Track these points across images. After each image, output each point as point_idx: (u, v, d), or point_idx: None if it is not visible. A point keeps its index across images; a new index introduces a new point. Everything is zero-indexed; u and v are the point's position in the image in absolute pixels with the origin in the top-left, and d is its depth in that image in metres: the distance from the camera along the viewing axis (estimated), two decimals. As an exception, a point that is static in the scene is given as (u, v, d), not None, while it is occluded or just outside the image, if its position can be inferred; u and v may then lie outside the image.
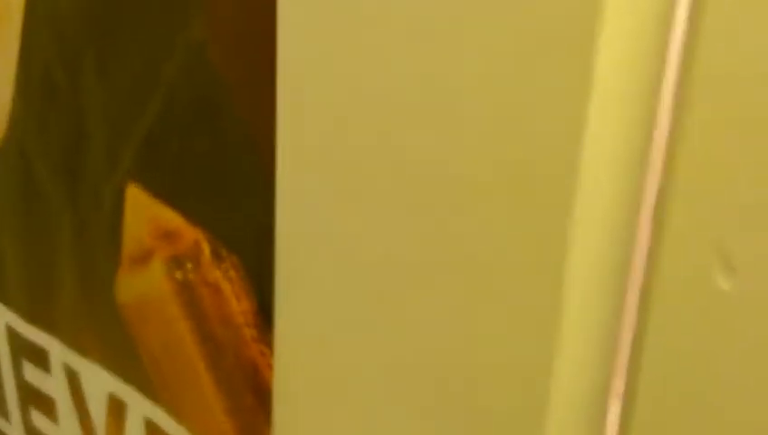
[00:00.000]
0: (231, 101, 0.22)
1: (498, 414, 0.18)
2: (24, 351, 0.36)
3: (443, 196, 0.18)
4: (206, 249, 0.24)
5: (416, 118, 0.17)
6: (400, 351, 0.20)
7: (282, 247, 0.21)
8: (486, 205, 0.17)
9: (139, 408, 0.29)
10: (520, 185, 0.16)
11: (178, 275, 0.25)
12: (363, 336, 0.20)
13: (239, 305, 0.23)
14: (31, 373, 0.36)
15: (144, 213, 0.26)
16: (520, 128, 0.16)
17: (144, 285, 0.26)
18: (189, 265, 0.24)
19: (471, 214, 0.17)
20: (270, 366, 0.23)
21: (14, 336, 0.36)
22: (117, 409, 0.30)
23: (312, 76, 0.19)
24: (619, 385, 0.17)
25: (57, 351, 0.33)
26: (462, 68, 0.16)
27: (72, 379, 0.33)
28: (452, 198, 0.17)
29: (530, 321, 0.17)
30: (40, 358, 0.35)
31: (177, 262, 0.25)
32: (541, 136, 0.15)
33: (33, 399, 0.36)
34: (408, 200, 0.18)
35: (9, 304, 0.36)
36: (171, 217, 0.25)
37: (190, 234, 0.24)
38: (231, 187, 0.23)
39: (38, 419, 0.36)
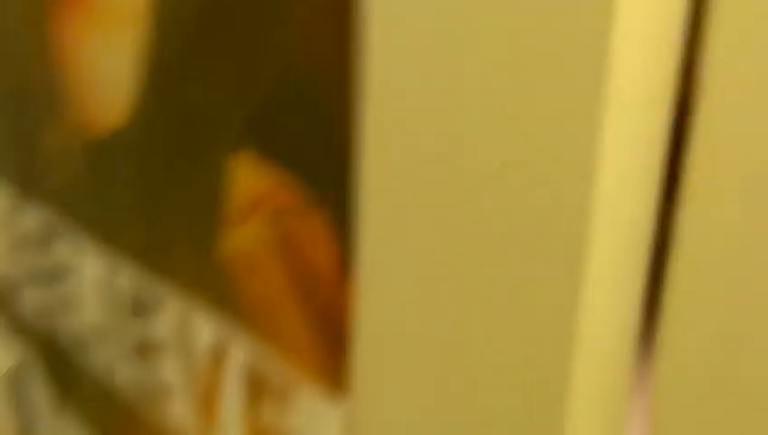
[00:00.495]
0: (328, 71, 0.26)
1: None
2: (137, 296, 0.41)
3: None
4: (301, 203, 0.28)
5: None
6: (475, 305, 0.23)
7: (365, 200, 0.25)
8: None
9: (239, 349, 0.33)
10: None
11: (278, 227, 0.29)
12: (438, 284, 0.24)
13: (329, 252, 0.27)
14: (143, 319, 0.41)
15: (250, 174, 0.30)
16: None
17: (248, 238, 0.31)
18: (287, 218, 0.29)
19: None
20: (352, 306, 0.27)
21: (131, 281, 0.42)
22: (220, 352, 0.35)
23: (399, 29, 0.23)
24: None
25: (168, 298, 0.38)
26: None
27: (181, 321, 0.38)
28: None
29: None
30: (151, 304, 0.40)
31: (276, 215, 0.29)
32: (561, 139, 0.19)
33: (144, 343, 0.41)
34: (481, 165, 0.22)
35: (129, 262, 0.41)
36: (273, 177, 0.29)
37: (289, 191, 0.28)
38: (325, 149, 0.27)
39: (146, 363, 0.42)
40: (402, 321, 0.26)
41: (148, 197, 0.38)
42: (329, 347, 0.28)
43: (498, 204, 0.22)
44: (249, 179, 0.30)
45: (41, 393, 0.57)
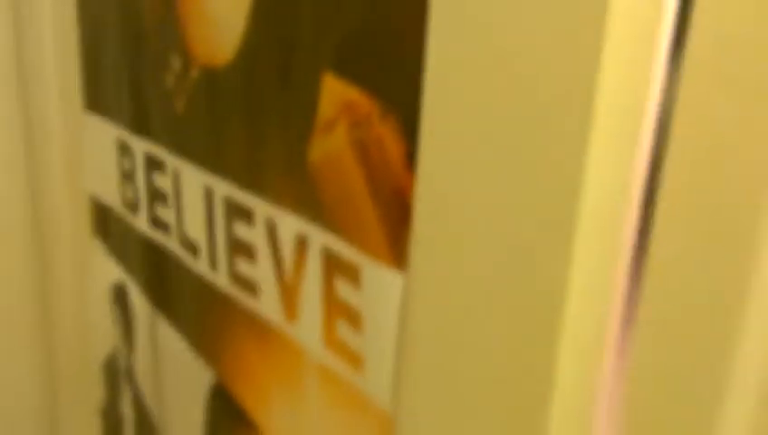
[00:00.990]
0: (399, 5, 0.33)
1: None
2: (235, 212, 0.49)
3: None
4: (374, 114, 0.35)
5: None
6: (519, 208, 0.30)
7: (427, 112, 0.32)
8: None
9: (318, 238, 0.40)
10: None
11: (355, 133, 0.36)
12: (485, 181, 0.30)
13: (395, 151, 0.34)
14: (238, 228, 0.49)
15: (334, 91, 0.37)
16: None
17: (331, 145, 0.38)
18: (363, 127, 0.36)
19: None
20: (414, 196, 0.34)
21: (229, 203, 0.49)
22: (301, 243, 0.42)
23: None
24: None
25: (261, 208, 0.46)
26: None
27: (270, 228, 0.45)
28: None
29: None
30: (247, 216, 0.47)
31: (354, 125, 0.36)
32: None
33: (238, 247, 0.49)
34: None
35: (226, 178, 0.49)
36: (352, 93, 0.36)
37: (365, 104, 0.35)
38: (396, 70, 0.33)
39: (241, 264, 0.49)
40: (454, 207, 0.32)
41: (251, 119, 0.46)
42: (393, 230, 0.35)
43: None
44: (334, 96, 0.37)
45: (139, 300, 0.66)
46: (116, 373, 0.74)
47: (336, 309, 0.40)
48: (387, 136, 0.34)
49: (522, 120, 0.28)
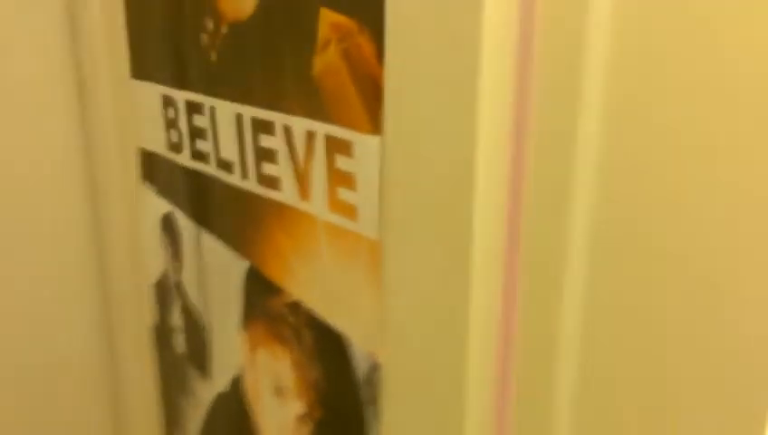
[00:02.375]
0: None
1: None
2: (259, 128, 0.65)
3: None
4: (355, 30, 0.51)
5: None
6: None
7: (390, 26, 0.48)
8: None
9: (322, 130, 0.57)
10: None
11: (342, 45, 0.52)
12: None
13: (370, 53, 0.50)
14: (263, 139, 0.65)
15: (327, 20, 0.53)
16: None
17: (327, 58, 0.54)
18: (347, 40, 0.52)
19: None
20: (385, 81, 0.50)
21: (255, 122, 0.66)
22: (310, 137, 0.58)
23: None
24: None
25: (279, 119, 0.62)
26: None
27: (287, 132, 0.61)
28: None
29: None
30: (269, 128, 0.64)
31: (341, 40, 0.52)
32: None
33: (264, 155, 0.65)
34: None
35: (251, 103, 0.66)
36: (339, 19, 0.52)
37: (348, 24, 0.52)
38: (365, 1, 0.50)
39: (266, 167, 0.66)
40: (412, 85, 0.48)
41: (268, 55, 0.62)
42: (372, 107, 0.51)
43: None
44: (327, 24, 0.54)
45: (185, 222, 0.83)
46: (167, 290, 0.91)
47: (337, 179, 0.56)
48: (364, 43, 0.51)
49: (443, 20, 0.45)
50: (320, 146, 0.58)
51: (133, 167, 0.93)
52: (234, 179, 0.71)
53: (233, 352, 0.78)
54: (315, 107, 0.57)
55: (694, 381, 0.37)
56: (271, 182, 0.65)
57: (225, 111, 0.70)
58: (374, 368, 0.56)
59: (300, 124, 0.59)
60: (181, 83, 0.78)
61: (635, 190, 0.38)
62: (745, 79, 0.32)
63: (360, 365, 0.58)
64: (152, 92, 0.84)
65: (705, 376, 0.36)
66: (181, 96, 0.78)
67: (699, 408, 0.37)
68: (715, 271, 0.35)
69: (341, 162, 0.55)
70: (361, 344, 0.57)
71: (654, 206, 0.37)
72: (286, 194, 0.64)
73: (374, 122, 0.52)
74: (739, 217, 0.34)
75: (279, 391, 0.70)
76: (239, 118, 0.68)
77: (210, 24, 0.70)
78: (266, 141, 0.65)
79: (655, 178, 0.37)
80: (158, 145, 0.86)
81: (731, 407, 0.36)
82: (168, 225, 0.87)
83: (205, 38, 0.72)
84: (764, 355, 0.34)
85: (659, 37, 0.35)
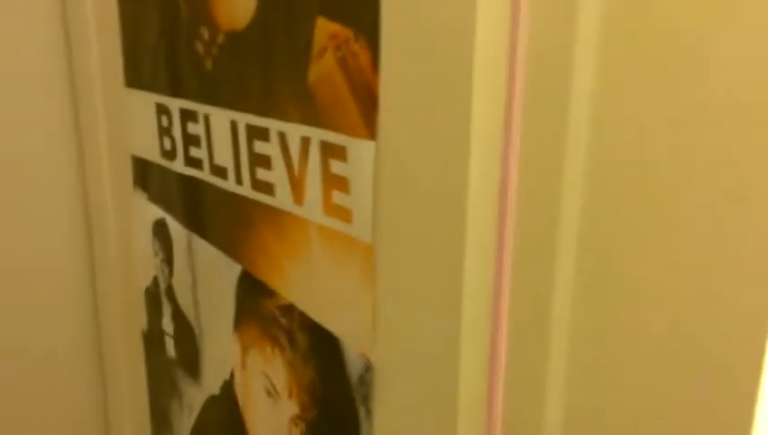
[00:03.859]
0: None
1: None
2: (254, 134, 0.67)
3: None
4: (351, 38, 0.53)
5: None
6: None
7: (384, 32, 0.50)
8: None
9: (317, 136, 0.58)
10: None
11: (338, 54, 0.54)
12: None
13: (366, 60, 0.52)
14: (258, 145, 0.66)
15: (323, 29, 0.55)
16: None
17: (323, 66, 0.56)
18: (343, 48, 0.53)
19: None
20: (381, 88, 0.52)
21: (250, 128, 0.67)
22: (305, 143, 0.60)
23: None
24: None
25: (274, 126, 0.64)
26: None
27: (282, 138, 0.63)
28: None
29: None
30: (264, 134, 0.65)
31: (337, 48, 0.54)
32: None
33: (258, 161, 0.67)
34: None
35: (246, 110, 0.67)
36: (335, 28, 0.54)
37: (344, 33, 0.53)
38: (362, 8, 0.51)
39: (261, 173, 0.67)
40: (405, 92, 0.50)
41: (265, 62, 0.63)
42: (367, 114, 0.53)
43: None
44: (323, 32, 0.55)
45: (176, 228, 0.84)
46: (157, 295, 0.92)
47: (331, 183, 0.58)
48: (360, 51, 0.52)
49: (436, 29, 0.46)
50: (314, 151, 0.59)
51: (125, 173, 0.94)
52: (228, 185, 0.73)
53: (224, 355, 0.79)
54: (310, 113, 0.59)
55: (681, 380, 0.38)
56: (265, 187, 0.67)
57: (220, 118, 0.71)
58: (367, 368, 0.58)
59: (295, 130, 0.61)
60: (176, 92, 0.79)
61: (623, 192, 0.40)
62: (737, 77, 0.34)
63: (353, 366, 0.59)
64: (146, 101, 0.85)
65: (693, 376, 0.38)
66: (175, 104, 0.79)
67: (687, 406, 0.38)
68: (706, 270, 0.37)
69: (336, 167, 0.57)
70: (354, 346, 0.59)
71: (642, 206, 0.39)
72: (280, 199, 0.65)
73: (369, 128, 0.53)
74: (730, 216, 0.35)
75: (271, 394, 0.71)
76: (234, 125, 0.69)
77: (206, 33, 0.72)
78: (261, 148, 0.66)
79: (643, 179, 0.38)
80: (151, 152, 0.87)
81: (719, 408, 0.37)
82: (159, 231, 0.88)
83: (200, 47, 0.73)
84: (754, 356, 0.35)
85: (649, 37, 0.37)
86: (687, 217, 0.37)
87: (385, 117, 0.52)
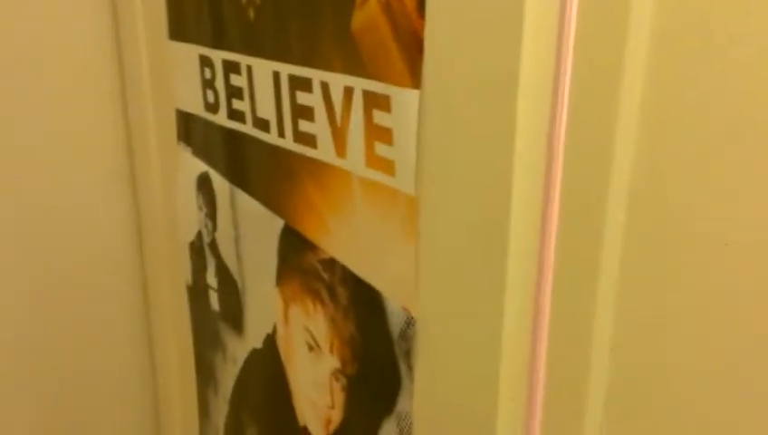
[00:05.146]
0: None
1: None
2: (297, 85, 0.65)
3: None
4: (396, -17, 0.51)
5: None
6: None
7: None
8: None
9: (360, 85, 0.57)
10: None
11: (383, 1, 0.52)
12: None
13: (410, 5, 0.50)
14: (300, 97, 0.65)
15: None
16: None
17: (367, 12, 0.54)
18: (388, -7, 0.52)
19: None
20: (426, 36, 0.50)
21: (292, 79, 0.66)
22: (348, 93, 0.59)
23: None
24: None
25: (316, 76, 0.62)
26: None
27: (324, 89, 0.62)
28: None
29: None
30: (306, 85, 0.64)
31: (383, -7, 0.52)
32: None
33: (300, 112, 0.66)
34: None
35: (288, 60, 0.66)
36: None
37: (389, -23, 0.51)
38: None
39: (303, 125, 0.66)
40: (452, 38, 0.48)
41: (307, 11, 0.62)
42: (412, 61, 0.51)
43: None
44: (368, -23, 0.54)
45: (220, 182, 0.83)
46: (201, 250, 0.92)
47: (374, 134, 0.57)
48: (405, -4, 0.51)
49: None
50: (357, 101, 0.58)
51: (169, 127, 0.94)
52: (270, 138, 0.72)
53: (267, 309, 0.79)
54: (353, 62, 0.57)
55: (723, 376, 0.37)
56: (307, 140, 0.66)
57: (263, 69, 0.70)
58: (408, 323, 0.57)
59: (337, 80, 0.60)
60: (218, 43, 0.78)
61: (670, 183, 0.38)
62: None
63: (395, 320, 0.58)
64: (190, 53, 0.85)
65: (736, 373, 0.36)
66: (218, 56, 0.78)
67: (730, 408, 0.37)
68: (751, 269, 0.35)
69: (379, 117, 0.56)
70: (396, 299, 0.58)
71: (688, 204, 0.37)
72: (323, 151, 0.64)
73: (413, 76, 0.52)
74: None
75: (313, 348, 0.71)
76: (276, 76, 0.68)
77: (249, -17, 0.70)
78: (303, 99, 0.65)
79: (691, 176, 0.36)
80: (195, 106, 0.86)
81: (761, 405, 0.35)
82: (203, 185, 0.88)
83: (243, -3, 0.72)
84: None
85: (700, 40, 0.35)
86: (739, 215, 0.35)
87: (430, 65, 0.50)
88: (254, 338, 0.84)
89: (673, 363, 0.40)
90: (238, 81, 0.75)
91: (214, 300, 0.92)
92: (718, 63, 0.35)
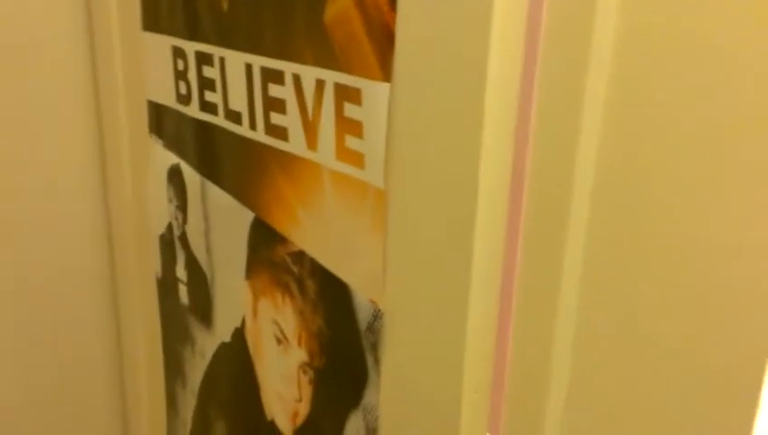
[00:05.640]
0: None
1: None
2: (269, 77, 0.65)
3: None
4: (369, -24, 0.51)
5: None
6: None
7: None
8: None
9: (331, 78, 0.57)
10: None
11: (355, -8, 0.52)
12: None
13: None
14: (272, 89, 0.65)
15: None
16: None
17: (339, 6, 0.54)
18: (361, -14, 0.52)
19: None
20: (397, 29, 0.50)
21: (264, 71, 0.66)
22: (320, 85, 0.59)
23: None
24: None
25: (289, 68, 0.62)
26: None
27: (296, 81, 0.62)
28: None
29: None
30: (278, 77, 0.64)
31: (355, -14, 0.52)
32: None
33: (272, 105, 0.66)
34: None
35: (261, 53, 0.66)
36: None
37: (362, -30, 0.52)
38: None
39: (274, 117, 0.66)
40: (422, 30, 0.48)
41: (281, 3, 0.62)
42: (383, 54, 0.51)
43: None
44: (341, -31, 0.54)
45: (190, 174, 0.83)
46: (172, 242, 0.92)
47: (344, 127, 0.57)
48: (376, -11, 0.51)
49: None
50: (329, 94, 0.58)
51: (141, 119, 0.93)
52: (242, 130, 0.72)
53: (236, 303, 0.79)
54: (325, 55, 0.57)
55: (684, 376, 0.37)
56: (279, 132, 0.66)
57: (235, 61, 0.70)
58: (376, 316, 0.57)
59: (309, 73, 0.60)
60: (192, 35, 0.78)
61: (633, 182, 0.38)
62: (749, 78, 0.32)
63: (362, 313, 0.58)
64: (163, 44, 0.84)
65: (697, 373, 0.37)
66: (191, 47, 0.78)
67: (690, 405, 0.37)
68: (713, 268, 0.35)
69: (350, 110, 0.56)
70: (364, 292, 0.58)
71: (652, 202, 0.37)
72: (294, 144, 0.64)
73: (384, 70, 0.52)
74: (739, 215, 0.34)
75: (281, 341, 0.71)
76: (249, 68, 0.68)
77: (222, -26, 0.70)
78: (275, 91, 0.65)
79: (655, 175, 0.37)
80: (167, 97, 0.86)
81: (721, 407, 0.36)
82: (174, 177, 0.88)
83: (217, -12, 0.72)
84: (758, 355, 0.34)
85: (664, 36, 0.35)
86: (700, 213, 0.35)
87: (401, 58, 0.50)
88: (222, 332, 0.84)
89: (634, 361, 0.40)
90: (211, 72, 0.75)
91: (183, 293, 0.92)
92: (683, 61, 0.36)
